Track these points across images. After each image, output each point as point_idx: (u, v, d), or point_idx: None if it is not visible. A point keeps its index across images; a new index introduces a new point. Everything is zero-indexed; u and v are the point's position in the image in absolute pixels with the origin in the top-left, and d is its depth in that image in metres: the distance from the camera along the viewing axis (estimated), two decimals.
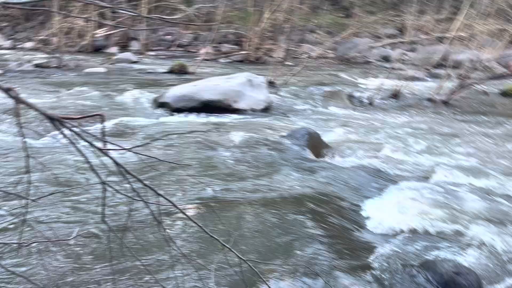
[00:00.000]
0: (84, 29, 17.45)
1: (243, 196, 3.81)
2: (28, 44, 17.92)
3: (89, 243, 2.82)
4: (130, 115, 7.36)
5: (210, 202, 3.08)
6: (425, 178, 5.20)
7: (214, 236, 2.28)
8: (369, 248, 3.47)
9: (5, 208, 2.24)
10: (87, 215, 2.99)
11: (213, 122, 7.16)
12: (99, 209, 2.46)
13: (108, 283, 2.62)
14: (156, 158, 2.15)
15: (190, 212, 3.07)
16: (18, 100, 2.13)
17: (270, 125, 7.13)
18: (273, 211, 3.63)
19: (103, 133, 2.20)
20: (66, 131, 2.20)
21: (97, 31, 17.81)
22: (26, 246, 2.65)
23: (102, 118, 2.16)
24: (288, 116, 8.17)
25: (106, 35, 18.03)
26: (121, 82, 10.45)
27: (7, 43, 18.29)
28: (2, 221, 2.81)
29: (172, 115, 7.73)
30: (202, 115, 7.68)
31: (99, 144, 2.18)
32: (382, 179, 5.08)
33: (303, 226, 3.52)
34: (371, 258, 3.31)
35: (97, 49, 17.66)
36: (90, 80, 10.81)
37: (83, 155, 2.18)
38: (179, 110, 7.87)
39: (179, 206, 2.31)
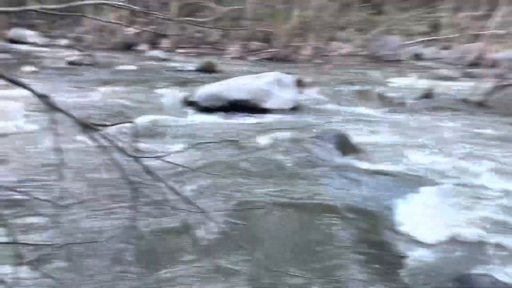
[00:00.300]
0: (116, 27, 17.75)
1: (270, 201, 3.76)
2: (63, 42, 18.43)
3: (120, 247, 2.84)
4: (160, 114, 7.43)
5: (238, 208, 3.05)
6: (460, 183, 4.99)
7: (243, 245, 2.25)
8: (401, 258, 3.36)
9: (40, 211, 2.27)
10: (118, 219, 3.01)
11: (241, 123, 7.14)
12: (131, 214, 2.47)
13: (135, 285, 2.63)
14: (186, 167, 2.13)
15: (219, 219, 3.04)
16: (53, 107, 2.16)
17: (298, 125, 7.04)
18: (301, 217, 3.57)
19: (135, 140, 2.20)
20: (99, 137, 2.22)
21: (128, 29, 18.09)
22: (59, 247, 2.69)
23: (134, 125, 2.16)
24: (316, 116, 8.05)
25: (137, 33, 18.29)
26: (151, 80, 10.57)
27: (43, 41, 18.85)
28: (36, 224, 2.87)
29: (200, 114, 7.77)
30: (230, 114, 7.67)
31: (131, 151, 2.18)
32: (414, 184, 4.90)
33: (331, 233, 3.44)
34: (403, 269, 3.20)
35: (128, 47, 17.97)
36: (121, 78, 10.98)
37: (115, 161, 2.19)
38: (207, 109, 7.89)
39: (209, 214, 2.29)
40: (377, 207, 4.27)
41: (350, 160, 5.61)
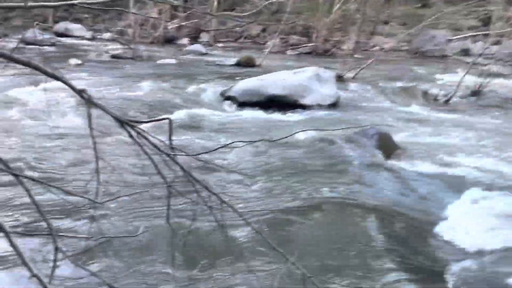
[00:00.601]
0: (157, 21, 18.02)
1: (308, 203, 3.64)
2: (106, 35, 18.93)
3: (153, 242, 2.83)
4: (198, 108, 7.45)
5: (274, 210, 2.97)
6: (509, 188, 4.69)
7: (278, 248, 2.17)
8: (444, 266, 3.17)
9: (75, 206, 2.29)
10: (152, 215, 3.01)
11: (278, 119, 7.03)
12: (164, 210, 2.44)
13: (168, 283, 2.62)
14: (220, 166, 2.06)
15: (254, 221, 2.97)
16: (90, 102, 2.15)
17: (337, 122, 6.86)
18: (340, 219, 3.44)
19: (171, 137, 2.15)
20: (134, 134, 2.20)
21: (169, 23, 18.32)
22: (95, 240, 2.71)
23: (170, 123, 2.12)
24: (357, 113, 7.82)
25: (177, 27, 18.51)
26: (190, 74, 10.64)
27: (88, 34, 19.42)
28: (71, 218, 2.91)
29: (238, 109, 7.72)
30: (267, 110, 7.57)
31: (166, 148, 2.15)
32: (458, 187, 4.65)
33: (371, 238, 3.29)
34: (446, 278, 3.02)
35: (168, 41, 18.22)
36: (161, 72, 11.13)
37: (150, 158, 2.16)
38: (244, 104, 7.84)
39: (243, 215, 2.22)
40: (419, 210, 4.08)
41: (391, 160, 5.39)
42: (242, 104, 7.87)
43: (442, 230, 3.74)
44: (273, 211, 2.85)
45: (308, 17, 17.48)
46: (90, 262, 2.60)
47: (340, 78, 10.14)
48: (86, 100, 2.13)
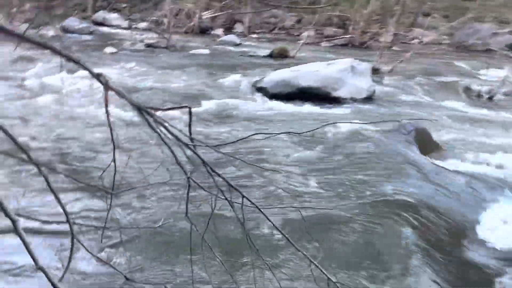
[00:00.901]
0: (192, 11, 18.04)
1: (337, 201, 3.44)
2: (142, 25, 19.14)
3: (171, 235, 2.74)
4: (228, 98, 7.35)
5: (299, 208, 2.81)
6: None
7: (301, 250, 2.01)
8: (486, 275, 2.93)
9: (91, 195, 2.22)
10: (170, 207, 2.92)
11: (309, 111, 6.81)
12: (183, 202, 2.34)
13: (185, 276, 2.53)
14: (242, 160, 1.92)
15: (277, 218, 2.83)
16: (107, 87, 2.05)
17: (372, 117, 6.57)
18: (371, 219, 3.23)
19: (190, 127, 2.03)
20: (153, 122, 2.09)
21: (204, 13, 18.30)
22: (113, 230, 2.64)
23: (189, 112, 2.00)
24: (393, 108, 7.48)
25: (212, 17, 18.46)
26: (223, 65, 10.56)
27: (125, 23, 19.71)
28: (88, 206, 2.86)
29: (268, 101, 7.55)
30: (299, 102, 7.36)
31: (186, 139, 2.03)
32: (498, 188, 4.36)
33: (405, 240, 3.08)
34: (484, 282, 2.79)
35: (203, 31, 18.21)
36: (193, 61, 11.10)
37: (169, 148, 2.05)
38: (275, 96, 7.66)
39: (265, 212, 2.08)
40: (457, 210, 3.84)
41: (429, 157, 5.10)
42: (273, 96, 7.70)
43: (481, 232, 3.50)
44: (297, 209, 2.69)
45: (345, 8, 17.01)
46: (106, 252, 2.54)
47: (376, 71, 9.78)
48: (103, 84, 2.04)
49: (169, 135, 2.07)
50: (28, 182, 3.04)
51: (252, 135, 2.17)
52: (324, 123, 3.76)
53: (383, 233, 3.21)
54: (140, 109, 2.03)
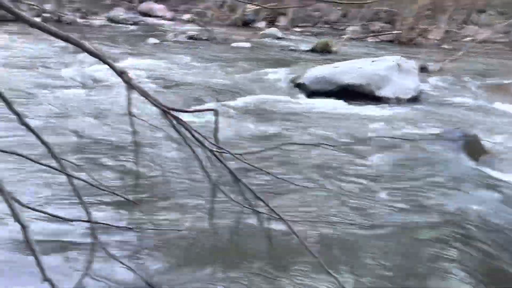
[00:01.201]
0: (235, 3, 17.94)
1: (375, 215, 3.16)
2: (186, 16, 19.25)
3: (193, 241, 2.62)
4: (265, 94, 7.17)
5: (330, 223, 2.59)
6: None
7: (331, 271, 1.82)
8: None
9: (114, 198, 2.13)
10: (194, 213, 2.79)
11: (350, 111, 6.50)
12: (208, 208, 2.21)
13: (207, 283, 2.40)
14: (268, 172, 1.75)
15: (304, 234, 2.63)
16: (130, 86, 1.93)
17: (418, 119, 6.18)
18: (411, 236, 2.96)
19: (216, 131, 1.88)
20: (177, 124, 1.95)
21: (247, 5, 18.15)
22: (137, 231, 2.54)
23: (216, 114, 1.84)
24: (440, 111, 7.02)
25: (255, 10, 18.29)
26: (263, 59, 10.39)
27: (169, 15, 19.92)
28: (113, 206, 2.78)
29: (308, 97, 7.30)
30: (339, 100, 7.05)
31: (210, 144, 1.88)
32: None
33: (450, 263, 2.79)
34: None
35: (246, 24, 18.07)
36: (233, 55, 10.99)
37: (194, 153, 1.91)
38: (315, 93, 7.39)
39: (292, 227, 1.90)
40: (507, 224, 3.48)
41: (479, 166, 4.71)
42: (312, 93, 7.44)
43: None
44: (327, 224, 2.49)
45: (394, 2, 16.32)
46: (126, 256, 2.44)
47: (424, 70, 9.28)
48: (126, 82, 1.91)
49: (194, 139, 1.93)
50: (46, 179, 3.00)
51: (281, 144, 2.00)
52: (363, 138, 3.49)
53: (425, 249, 2.94)
54: (164, 111, 1.90)
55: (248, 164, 1.73)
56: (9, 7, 1.75)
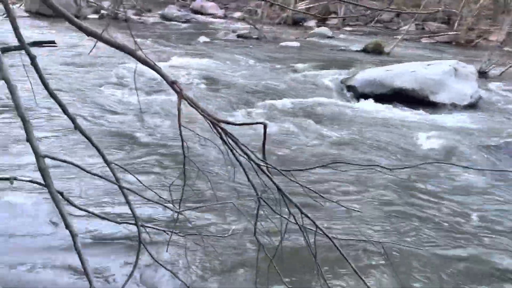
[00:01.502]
0: (286, 2, 17.83)
1: (428, 241, 2.96)
2: (236, 14, 19.38)
3: (236, 250, 2.59)
4: (313, 96, 7.04)
5: (378, 242, 2.47)
6: None
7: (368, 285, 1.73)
8: None
9: (159, 205, 2.15)
10: (238, 223, 2.76)
11: (403, 117, 6.23)
12: (252, 219, 2.17)
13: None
14: (316, 193, 1.68)
15: (352, 254, 2.52)
16: (181, 96, 1.92)
17: (476, 129, 5.81)
18: (473, 264, 2.77)
19: (264, 146, 1.83)
20: (226, 137, 1.93)
21: (299, 3, 17.99)
22: (182, 236, 2.55)
23: (264, 129, 1.79)
24: (502, 119, 6.58)
25: (306, 8, 18.09)
26: (312, 59, 10.23)
27: (220, 12, 20.14)
28: (158, 212, 2.81)
29: (358, 101, 7.09)
30: (391, 105, 6.79)
31: (259, 158, 1.84)
32: None
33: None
34: None
35: (296, 22, 17.93)
36: (282, 54, 10.92)
37: (241, 166, 1.88)
38: (365, 96, 7.18)
39: (339, 246, 1.82)
40: None
41: None
42: (363, 96, 7.22)
43: None
44: (377, 243, 2.36)
45: (452, 1, 15.59)
46: (169, 260, 2.45)
47: (483, 75, 8.79)
48: (177, 93, 1.91)
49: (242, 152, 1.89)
50: (97, 183, 3.08)
51: (332, 163, 1.93)
52: (423, 162, 3.24)
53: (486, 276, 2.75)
54: (213, 123, 1.88)
55: (296, 182, 1.67)
56: (70, 17, 1.79)
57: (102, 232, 2.63)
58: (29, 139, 1.53)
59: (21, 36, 1.63)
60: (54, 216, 2.72)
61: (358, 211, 2.69)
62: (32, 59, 1.66)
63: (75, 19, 1.77)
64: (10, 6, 1.69)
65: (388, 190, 3.62)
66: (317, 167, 1.55)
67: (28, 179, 2.21)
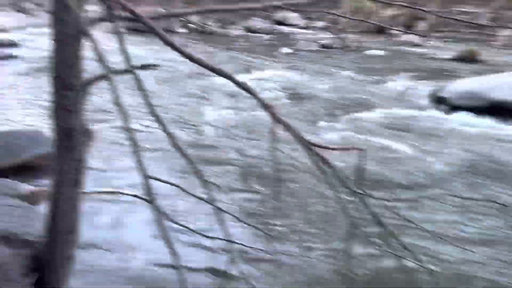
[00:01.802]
0: (371, 9, 17.40)
1: None
2: (319, 24, 19.26)
3: (326, 273, 2.54)
4: (401, 108, 6.77)
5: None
6: None
7: None
8: None
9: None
10: (329, 249, 2.70)
11: (503, 133, 5.71)
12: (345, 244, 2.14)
13: None
14: (420, 226, 1.60)
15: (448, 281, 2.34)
16: (276, 119, 1.95)
17: None
18: None
19: (361, 172, 1.80)
20: (319, 161, 1.92)
21: (384, 11, 17.44)
22: (270, 255, 2.58)
23: (361, 155, 1.76)
24: None
25: (391, 16, 17.49)
26: (398, 68, 9.85)
27: (302, 23, 20.16)
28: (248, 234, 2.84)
29: (451, 114, 6.66)
30: (489, 119, 6.27)
31: (354, 185, 1.80)
32: None
33: None
34: None
35: (380, 30, 17.37)
36: (366, 64, 10.64)
37: (334, 192, 1.85)
38: (458, 109, 6.72)
39: (431, 270, 1.72)
40: None
41: None
42: (456, 108, 6.77)
43: None
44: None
45: None
46: (262, 277, 2.48)
47: None
48: (271, 115, 1.94)
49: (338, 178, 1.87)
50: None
51: (439, 195, 1.81)
52: None
53: None
54: (308, 147, 1.88)
55: (396, 214, 1.61)
56: (164, 36, 1.87)
57: (195, 245, 2.72)
58: (137, 160, 1.64)
59: (130, 59, 1.74)
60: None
61: (471, 251, 2.41)
62: (139, 82, 1.76)
63: (168, 38, 1.84)
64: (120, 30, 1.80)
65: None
66: (421, 198, 1.47)
67: (132, 193, 2.39)
